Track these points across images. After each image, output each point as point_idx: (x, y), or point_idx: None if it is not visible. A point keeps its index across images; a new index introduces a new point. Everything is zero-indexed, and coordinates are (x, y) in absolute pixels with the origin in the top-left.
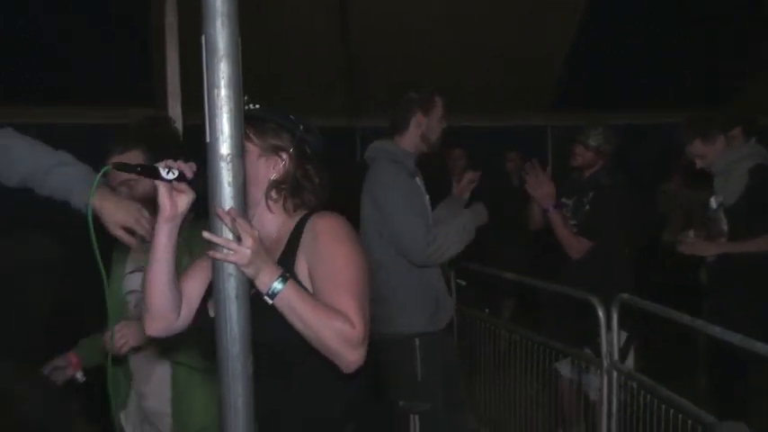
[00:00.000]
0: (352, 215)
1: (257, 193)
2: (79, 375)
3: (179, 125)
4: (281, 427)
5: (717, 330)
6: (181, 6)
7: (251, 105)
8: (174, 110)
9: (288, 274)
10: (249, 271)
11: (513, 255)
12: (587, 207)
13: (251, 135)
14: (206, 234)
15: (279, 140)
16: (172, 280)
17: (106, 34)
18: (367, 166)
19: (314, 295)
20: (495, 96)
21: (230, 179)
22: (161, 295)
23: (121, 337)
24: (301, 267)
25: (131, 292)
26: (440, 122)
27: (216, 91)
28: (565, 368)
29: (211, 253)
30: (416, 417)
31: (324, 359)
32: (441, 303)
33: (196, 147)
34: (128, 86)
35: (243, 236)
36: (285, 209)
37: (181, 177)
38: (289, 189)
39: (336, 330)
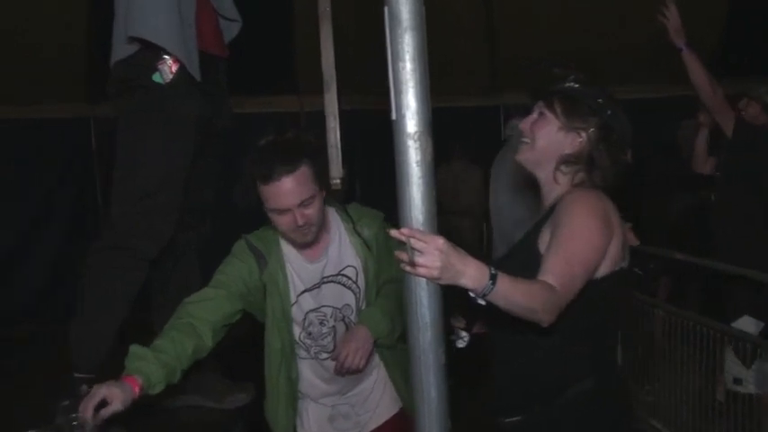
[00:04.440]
0: None
1: (547, 162)
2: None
3: (335, 111)
4: None
5: None
6: None
7: (572, 84)
8: (330, 96)
9: (495, 271)
10: (444, 281)
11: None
12: None
13: (558, 110)
14: (397, 253)
15: (583, 123)
16: None
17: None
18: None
19: (518, 278)
20: (643, 68)
21: (419, 158)
22: None
23: (357, 351)
24: (544, 236)
25: (313, 310)
26: None
27: (401, 65)
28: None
29: (402, 266)
30: None
31: None
32: None
33: (353, 131)
34: (271, 76)
35: (428, 249)
36: (572, 184)
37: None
38: (580, 166)
39: (540, 302)
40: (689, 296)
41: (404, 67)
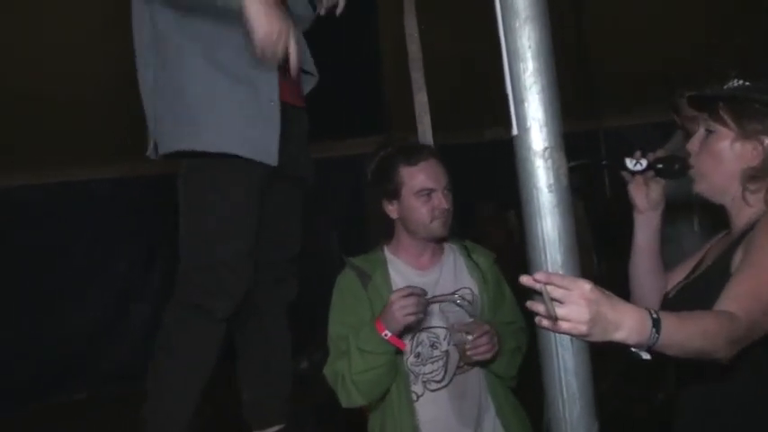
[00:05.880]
0: None
1: (728, 185)
2: None
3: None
4: None
5: None
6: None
7: (736, 81)
8: (425, 132)
9: (657, 314)
10: (595, 338)
11: None
12: None
13: (727, 118)
14: (529, 303)
15: (761, 124)
16: (654, 269)
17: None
18: None
19: (687, 315)
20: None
21: (551, 181)
22: (642, 284)
23: (492, 337)
24: (737, 259)
25: (424, 329)
26: None
27: (521, 66)
28: None
29: (539, 321)
30: None
31: None
32: None
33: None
34: (357, 115)
35: (572, 297)
36: (766, 201)
37: (649, 167)
38: None
39: (716, 339)
40: None
41: (525, 69)
